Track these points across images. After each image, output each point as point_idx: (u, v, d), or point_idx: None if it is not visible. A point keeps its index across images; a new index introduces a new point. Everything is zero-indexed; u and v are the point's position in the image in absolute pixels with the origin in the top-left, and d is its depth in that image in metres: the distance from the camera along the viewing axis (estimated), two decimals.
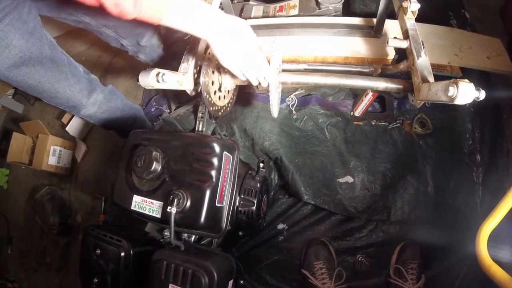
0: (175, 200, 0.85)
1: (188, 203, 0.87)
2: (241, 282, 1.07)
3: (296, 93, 1.44)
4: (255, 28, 1.40)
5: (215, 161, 0.90)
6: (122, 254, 0.97)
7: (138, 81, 0.91)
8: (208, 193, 0.87)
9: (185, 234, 1.01)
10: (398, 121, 1.42)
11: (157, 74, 0.88)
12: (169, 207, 0.85)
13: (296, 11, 1.47)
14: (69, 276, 1.83)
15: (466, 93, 0.72)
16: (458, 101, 0.74)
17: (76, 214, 1.86)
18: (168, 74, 0.91)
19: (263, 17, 1.49)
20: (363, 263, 1.34)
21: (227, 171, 0.93)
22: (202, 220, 0.87)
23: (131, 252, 0.98)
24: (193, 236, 1.05)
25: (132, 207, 0.95)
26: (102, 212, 1.65)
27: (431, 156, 1.38)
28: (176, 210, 0.85)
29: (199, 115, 1.44)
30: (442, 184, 1.36)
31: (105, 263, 1.02)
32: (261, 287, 1.34)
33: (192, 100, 1.51)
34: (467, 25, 1.53)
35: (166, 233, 1.02)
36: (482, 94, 0.75)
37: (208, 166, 0.89)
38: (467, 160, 1.39)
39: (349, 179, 1.36)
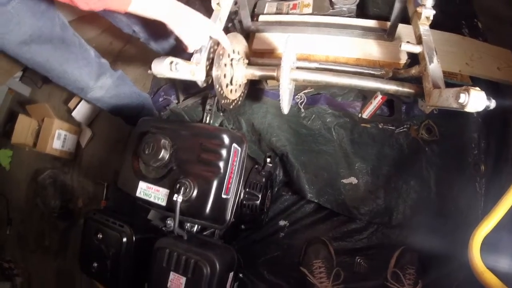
0: (182, 188, 0.84)
1: (195, 193, 0.86)
2: (240, 275, 1.06)
3: (306, 91, 1.42)
4: (268, 24, 1.41)
5: (223, 152, 0.89)
6: (124, 240, 0.97)
7: (149, 70, 0.91)
8: (215, 184, 0.86)
9: (188, 224, 1.00)
10: (405, 126, 1.40)
11: (171, 63, 0.87)
12: (175, 195, 0.84)
13: (309, 10, 1.45)
14: (67, 260, 1.82)
15: (477, 101, 0.72)
16: (469, 109, 0.74)
17: (78, 198, 1.84)
18: (181, 63, 0.90)
19: (276, 13, 1.47)
20: (361, 264, 1.33)
21: (235, 163, 0.92)
22: (208, 210, 0.86)
23: (133, 239, 0.97)
24: (196, 226, 1.03)
25: (137, 194, 0.94)
26: (104, 198, 1.64)
27: (435, 163, 1.37)
28: (182, 199, 0.84)
29: (207, 107, 1.42)
30: (445, 192, 1.35)
31: (106, 248, 1.01)
32: (258, 282, 1.32)
33: (200, 92, 1.50)
34: (478, 34, 1.51)
35: (168, 222, 1.00)
36: (492, 104, 0.74)
37: (216, 157, 0.88)
38: (471, 169, 1.37)
39: (353, 180, 1.35)
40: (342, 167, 1.36)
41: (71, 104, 1.88)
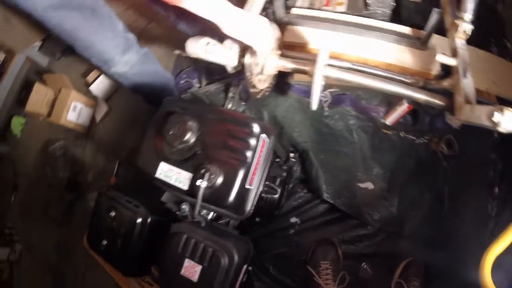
0: (207, 174, 0.80)
1: (220, 180, 0.81)
2: (250, 268, 1.02)
3: (331, 90, 1.38)
4: (300, 17, 1.37)
5: (252, 141, 0.84)
6: (139, 220, 0.93)
7: (176, 50, 0.90)
8: (241, 173, 0.82)
9: (204, 211, 0.96)
10: (426, 138, 1.36)
11: (207, 43, 0.83)
12: (199, 180, 0.80)
13: (342, 8, 1.40)
14: (69, 232, 1.78)
15: (510, 122, 0.70)
16: (501, 128, 0.72)
17: (87, 172, 1.81)
18: (217, 45, 0.85)
19: (308, 8, 1.42)
20: (367, 271, 1.29)
21: (261, 154, 0.88)
22: (231, 199, 0.82)
23: (148, 220, 0.93)
24: (211, 214, 0.99)
25: (157, 174, 0.90)
26: (115, 174, 1.59)
27: (452, 178, 1.33)
28: (206, 185, 0.80)
29: (230, 94, 1.38)
30: (457, 208, 1.31)
31: (117, 227, 0.97)
32: (262, 276, 1.29)
33: (224, 79, 1.45)
34: (506, 54, 1.47)
35: (183, 207, 0.96)
36: None
37: (244, 146, 0.84)
38: (485, 190, 1.34)
39: (369, 185, 1.31)
40: (360, 171, 1.32)
41: (89, 78, 1.83)
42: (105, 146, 1.82)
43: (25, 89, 2.15)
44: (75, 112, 1.80)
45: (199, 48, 0.83)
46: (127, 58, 1.23)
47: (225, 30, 0.84)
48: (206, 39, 0.83)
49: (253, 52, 0.97)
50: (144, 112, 1.64)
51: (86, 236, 1.08)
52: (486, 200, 1.31)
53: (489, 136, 1.33)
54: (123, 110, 1.82)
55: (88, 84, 1.84)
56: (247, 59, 0.96)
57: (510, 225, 0.78)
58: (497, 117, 0.70)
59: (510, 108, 0.70)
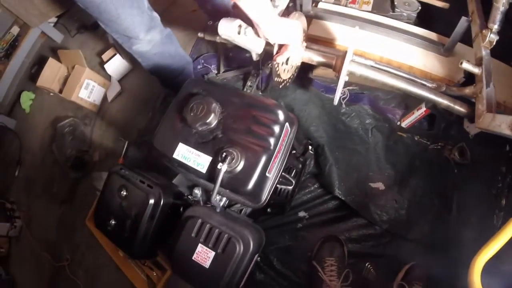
0: (228, 158, 0.75)
1: (241, 165, 0.77)
2: (258, 258, 0.98)
3: (350, 87, 1.34)
4: (327, 12, 1.32)
5: (276, 129, 0.80)
6: (151, 201, 0.87)
7: (200, 33, 0.85)
8: (263, 159, 0.77)
9: (218, 197, 0.91)
10: (440, 144, 1.33)
11: (240, 26, 0.79)
12: (220, 164, 0.75)
13: (369, 8, 1.37)
14: (72, 211, 1.74)
15: None
16: None
17: (94, 151, 1.76)
18: (250, 29, 0.81)
19: (334, 4, 1.38)
20: (370, 271, 1.26)
21: (284, 142, 0.84)
22: (250, 186, 0.77)
23: (161, 202, 0.88)
24: (224, 200, 0.94)
25: (175, 155, 0.85)
26: (122, 156, 1.54)
27: (461, 186, 1.30)
28: (226, 169, 0.75)
29: (248, 83, 1.34)
30: (464, 216, 1.28)
31: (128, 207, 0.92)
32: (266, 268, 1.26)
33: (242, 68, 1.41)
34: None
35: (196, 191, 0.92)
36: None
37: (268, 132, 0.79)
38: (493, 201, 1.31)
39: (380, 185, 1.28)
40: (372, 171, 1.28)
41: (104, 56, 1.78)
42: (114, 126, 1.77)
43: (37, 64, 2.10)
44: (87, 90, 1.75)
45: (232, 29, 0.79)
46: (150, 36, 1.19)
47: (266, 33, 0.86)
48: (239, 22, 0.79)
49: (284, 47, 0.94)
50: (157, 95, 1.61)
51: (93, 214, 1.03)
52: (493, 211, 1.29)
53: (501, 148, 1.31)
54: (135, 91, 1.77)
55: (102, 63, 1.79)
56: (276, 47, 0.93)
57: (498, 231, 0.77)
58: None
59: None
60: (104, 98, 1.83)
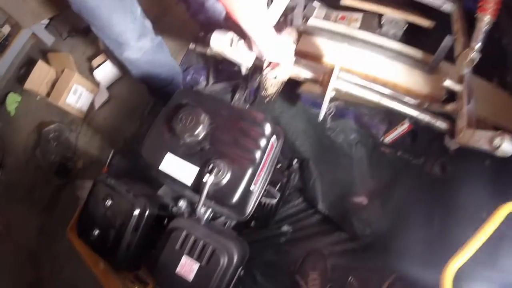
0: (215, 169, 0.76)
1: (227, 177, 0.77)
2: (242, 272, 0.98)
3: (336, 103, 1.36)
4: (315, 28, 1.36)
5: (263, 142, 0.81)
6: (136, 212, 0.86)
7: (191, 44, 0.87)
8: (249, 172, 0.78)
9: (203, 209, 0.91)
10: (421, 159, 1.36)
11: (232, 39, 0.81)
12: (206, 176, 0.76)
13: (357, 25, 1.41)
14: (53, 218, 1.70)
15: (509, 147, 0.76)
16: (499, 153, 0.78)
17: (79, 159, 1.73)
18: (241, 42, 0.83)
19: (324, 19, 1.42)
20: (353, 284, 1.26)
21: (269, 156, 0.85)
22: (236, 199, 0.78)
23: (146, 213, 0.87)
24: (208, 212, 0.94)
25: (162, 165, 0.85)
26: (107, 164, 1.52)
27: (442, 202, 1.32)
28: (213, 181, 0.76)
29: (237, 96, 1.35)
30: (446, 231, 1.31)
31: (112, 217, 0.91)
32: (249, 282, 1.24)
33: (231, 80, 1.42)
34: (506, 87, 1.50)
35: (181, 203, 0.92)
36: None
37: (255, 145, 0.80)
38: (472, 216, 1.34)
39: (363, 200, 1.30)
40: (356, 185, 1.30)
41: (94, 62, 1.78)
42: (100, 134, 1.75)
43: (25, 66, 2.07)
44: (75, 95, 1.73)
45: (224, 42, 0.80)
46: (141, 44, 1.20)
47: (263, 50, 0.90)
48: (232, 34, 0.81)
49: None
50: (145, 104, 1.60)
51: (76, 223, 1.01)
52: (473, 226, 1.31)
53: (481, 163, 1.35)
54: (123, 99, 1.77)
55: (92, 68, 1.78)
56: (266, 63, 0.95)
57: (468, 241, 0.80)
58: (497, 141, 0.76)
59: (510, 135, 0.75)
60: (92, 104, 1.82)
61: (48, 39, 2.08)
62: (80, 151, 1.76)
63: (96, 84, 1.82)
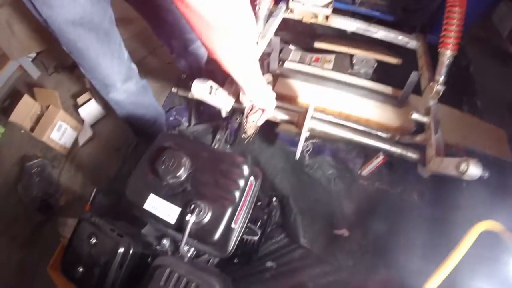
0: (196, 209, 0.82)
1: (208, 217, 0.83)
2: None
3: (313, 141, 1.46)
4: (291, 71, 1.47)
5: (241, 182, 0.88)
6: (121, 250, 0.90)
7: (174, 88, 0.96)
8: (229, 211, 0.84)
9: (186, 247, 0.96)
10: (399, 188, 1.44)
11: (211, 87, 0.89)
12: (188, 215, 0.81)
13: (330, 66, 1.53)
14: (33, 255, 1.69)
15: (475, 170, 0.82)
16: (466, 177, 0.83)
17: (61, 196, 1.75)
18: (220, 90, 0.91)
19: (299, 62, 1.53)
20: None
21: (248, 195, 0.91)
22: (217, 237, 0.83)
23: (131, 251, 0.92)
24: (192, 250, 1.00)
25: (146, 205, 0.90)
26: (90, 202, 1.55)
27: (424, 228, 1.37)
28: (194, 220, 0.82)
29: (218, 136, 1.43)
30: (429, 256, 1.36)
31: (97, 255, 0.95)
32: None
33: (212, 121, 1.51)
34: (477, 112, 1.61)
35: (164, 242, 0.97)
36: (487, 174, 0.84)
37: (234, 186, 0.87)
38: (454, 238, 1.40)
39: (345, 232, 1.36)
40: (336, 218, 1.37)
41: (80, 100, 1.84)
42: (83, 171, 1.78)
43: (10, 97, 2.10)
44: (59, 131, 1.78)
45: (204, 90, 0.88)
46: (126, 86, 1.26)
47: (251, 98, 0.97)
48: (211, 82, 0.89)
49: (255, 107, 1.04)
50: (129, 143, 1.66)
51: (61, 261, 1.04)
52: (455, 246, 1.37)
53: (456, 186, 1.42)
54: (107, 138, 1.82)
55: (76, 105, 1.84)
56: (247, 107, 1.03)
57: (443, 262, 0.85)
58: (463, 167, 0.82)
59: (474, 159, 0.81)
60: (75, 141, 1.86)
61: (34, 72, 2.14)
62: (63, 187, 1.78)
63: (81, 121, 1.87)
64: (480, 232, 0.82)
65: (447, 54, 1.17)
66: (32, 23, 1.83)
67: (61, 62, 2.15)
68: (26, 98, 1.88)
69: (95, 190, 1.57)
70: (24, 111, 1.87)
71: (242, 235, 1.03)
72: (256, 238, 1.06)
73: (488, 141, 1.43)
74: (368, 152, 1.47)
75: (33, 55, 2.16)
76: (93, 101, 1.81)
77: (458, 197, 1.42)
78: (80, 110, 1.81)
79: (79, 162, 1.83)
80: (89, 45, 1.08)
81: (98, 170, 1.73)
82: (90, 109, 1.83)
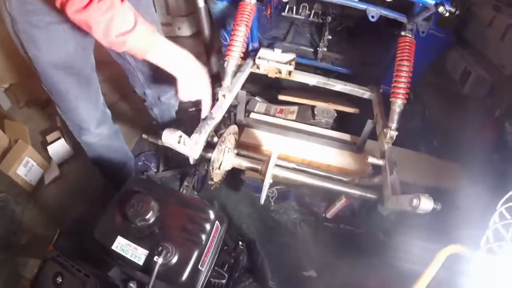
0: (164, 252, 0.90)
1: (175, 258, 0.91)
2: None
3: (278, 187, 1.59)
4: (257, 122, 1.61)
5: (208, 226, 0.97)
6: None
7: (144, 135, 1.11)
8: (196, 254, 0.92)
9: None
10: (364, 227, 1.56)
11: (180, 136, 1.01)
12: (156, 257, 0.89)
13: (293, 117, 1.71)
14: None
15: (426, 204, 0.91)
16: (420, 211, 0.92)
17: (22, 234, 1.74)
18: (188, 139, 1.03)
19: (264, 114, 1.69)
20: None
21: (215, 239, 1.00)
22: (184, 278, 0.90)
23: None
24: None
25: (113, 247, 0.96)
26: (53, 244, 1.57)
27: (391, 263, 1.41)
28: (162, 262, 0.89)
29: (185, 183, 1.52)
30: None
31: None
32: None
33: (180, 168, 1.60)
34: (433, 151, 1.77)
35: (131, 285, 1.02)
36: (439, 206, 0.93)
37: (200, 230, 0.96)
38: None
39: (313, 273, 1.43)
40: (304, 261, 1.45)
41: (49, 137, 1.88)
42: (47, 211, 1.78)
43: None
44: (25, 167, 1.79)
45: (174, 139, 0.99)
46: (100, 130, 1.34)
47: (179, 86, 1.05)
48: (180, 132, 1.00)
49: (218, 151, 1.15)
50: (96, 185, 1.70)
51: None
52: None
53: (417, 220, 1.53)
54: (74, 179, 1.85)
55: (45, 143, 1.87)
56: (215, 154, 1.14)
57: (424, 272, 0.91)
58: (415, 202, 0.91)
59: (425, 195, 0.90)
60: (41, 179, 1.88)
61: (5, 103, 2.17)
62: (25, 226, 1.76)
63: (48, 159, 1.90)
64: (447, 256, 0.89)
65: (397, 103, 1.29)
66: (9, 55, 1.87)
67: (34, 98, 2.19)
68: None
69: (58, 231, 1.59)
70: None
71: (210, 278, 1.11)
72: (223, 281, 1.13)
73: (438, 175, 1.58)
74: (331, 196, 1.60)
75: (5, 85, 2.18)
76: (62, 141, 1.86)
77: (420, 231, 1.53)
78: (49, 148, 1.85)
79: (43, 201, 1.83)
80: (69, 88, 1.16)
81: (63, 210, 1.74)
82: (59, 148, 1.87)
